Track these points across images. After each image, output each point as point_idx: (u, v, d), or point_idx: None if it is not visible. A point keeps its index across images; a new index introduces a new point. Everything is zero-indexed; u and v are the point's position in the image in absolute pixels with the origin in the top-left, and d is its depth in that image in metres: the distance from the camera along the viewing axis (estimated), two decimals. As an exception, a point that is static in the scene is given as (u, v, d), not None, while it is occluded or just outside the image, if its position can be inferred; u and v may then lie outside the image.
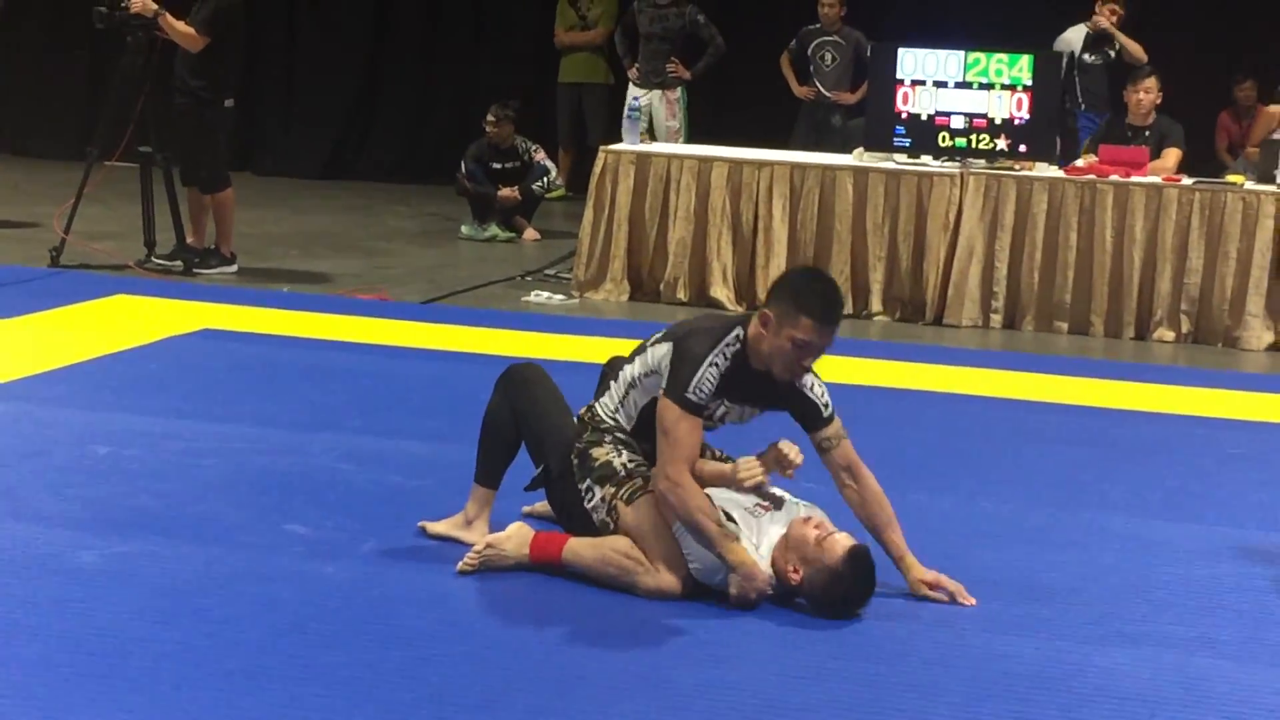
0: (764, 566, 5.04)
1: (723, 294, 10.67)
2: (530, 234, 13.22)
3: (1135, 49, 12.26)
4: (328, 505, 5.89)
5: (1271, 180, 10.36)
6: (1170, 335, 10.30)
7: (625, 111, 12.02)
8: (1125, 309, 10.37)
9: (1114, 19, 12.40)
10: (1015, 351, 9.82)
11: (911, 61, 10.79)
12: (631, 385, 5.30)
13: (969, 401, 8.22)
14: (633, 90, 13.52)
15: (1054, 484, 6.74)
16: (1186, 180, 10.56)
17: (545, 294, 10.71)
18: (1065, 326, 10.43)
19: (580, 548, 5.22)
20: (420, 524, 5.59)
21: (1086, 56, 12.44)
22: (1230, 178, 10.76)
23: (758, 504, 5.19)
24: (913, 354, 9.38)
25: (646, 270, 10.89)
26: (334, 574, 5.17)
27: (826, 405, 5.28)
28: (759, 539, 5.10)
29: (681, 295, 10.73)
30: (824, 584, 5.00)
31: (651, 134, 13.16)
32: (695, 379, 5.04)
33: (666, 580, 5.09)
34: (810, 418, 5.29)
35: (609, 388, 5.39)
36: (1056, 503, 6.45)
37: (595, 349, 8.83)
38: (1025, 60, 10.61)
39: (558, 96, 15.63)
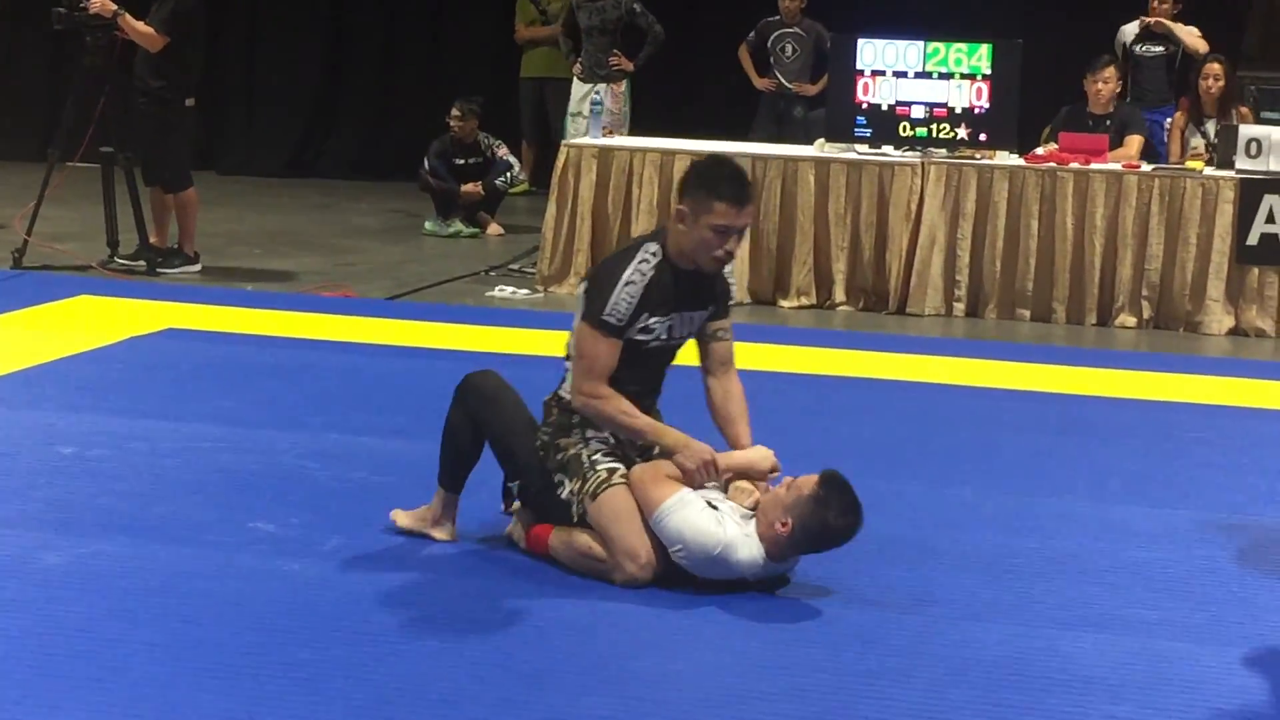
0: (756, 547, 5.03)
1: (686, 286, 10.67)
2: (494, 229, 13.23)
3: (1192, 40, 12.10)
4: (293, 503, 5.88)
5: (1230, 165, 10.41)
6: (1132, 321, 10.35)
7: (584, 108, 12.00)
8: (1087, 296, 10.42)
9: (1166, 6, 12.25)
10: (978, 339, 9.86)
11: (871, 52, 10.81)
12: (570, 355, 5.32)
13: (933, 390, 8.25)
14: (580, 86, 13.51)
15: (1017, 470, 6.78)
16: (1146, 167, 10.61)
17: (510, 289, 10.71)
18: (1028, 314, 10.47)
19: (558, 544, 5.28)
20: (392, 514, 5.59)
21: (1138, 49, 12.34)
22: (1189, 164, 10.80)
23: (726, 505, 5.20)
24: (876, 343, 9.41)
25: (610, 264, 10.88)
26: (299, 571, 5.18)
27: (734, 292, 5.47)
28: (747, 528, 5.09)
29: (645, 288, 10.71)
30: (812, 513, 4.99)
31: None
32: (611, 300, 5.10)
33: (627, 573, 5.12)
34: (723, 305, 5.42)
35: (562, 380, 5.39)
36: (1020, 489, 6.49)
37: (560, 343, 8.76)
38: (984, 50, 10.64)
39: (520, 92, 15.62)
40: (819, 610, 5.02)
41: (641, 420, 5.12)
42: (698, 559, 5.07)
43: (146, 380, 7.76)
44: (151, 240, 10.89)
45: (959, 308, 10.55)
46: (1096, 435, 7.41)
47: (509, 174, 13.31)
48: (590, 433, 5.28)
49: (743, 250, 10.56)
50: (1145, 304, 10.37)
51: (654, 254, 5.20)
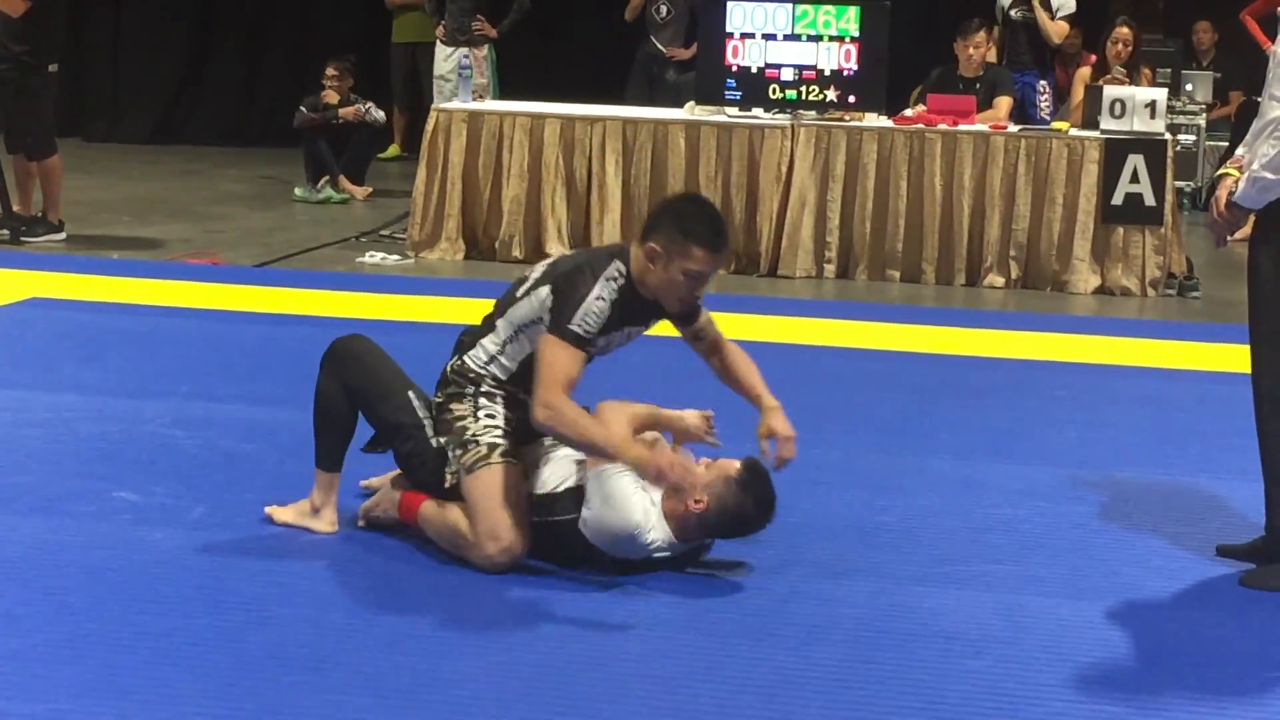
0: (657, 520, 4.94)
1: (558, 250, 10.65)
2: (362, 192, 13.16)
3: (1050, 26, 12.30)
4: (158, 472, 5.83)
5: (1095, 126, 10.52)
6: (1000, 281, 10.45)
7: (447, 71, 11.94)
8: (955, 256, 10.51)
9: None
10: (849, 301, 9.92)
11: (740, 15, 10.83)
12: (513, 336, 5.11)
13: (803, 351, 8.28)
14: (443, 49, 13.45)
15: (884, 429, 6.84)
16: (1013, 128, 10.71)
17: (380, 255, 10.66)
18: (897, 275, 10.54)
19: (429, 513, 5.16)
20: (266, 510, 5.39)
21: (1013, 12, 12.41)
22: (1056, 125, 10.91)
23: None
24: (747, 305, 9.43)
25: (481, 229, 10.87)
26: (162, 540, 5.13)
27: (700, 300, 5.24)
28: (652, 495, 4.99)
29: (517, 253, 10.72)
30: (731, 496, 4.93)
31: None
32: (580, 312, 4.91)
33: (485, 553, 4.98)
34: (686, 315, 5.24)
35: (483, 339, 5.17)
36: (886, 448, 6.54)
37: (431, 309, 8.84)
38: (852, 11, 10.67)
39: (391, 56, 15.52)
40: (681, 573, 5.03)
41: (603, 434, 4.90)
42: (605, 532, 4.93)
43: (8, 350, 7.66)
44: (15, 209, 10.75)
45: (830, 269, 10.60)
46: (963, 395, 7.48)
47: (370, 111, 13.23)
48: (484, 404, 5.12)
49: (613, 214, 10.62)
50: (1013, 264, 10.47)
51: (620, 274, 5.01)
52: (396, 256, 10.65)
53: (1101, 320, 9.58)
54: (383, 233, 11.54)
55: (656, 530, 4.93)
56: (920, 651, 4.52)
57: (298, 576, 4.90)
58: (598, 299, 4.95)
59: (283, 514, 5.38)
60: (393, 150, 15.70)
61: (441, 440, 5.14)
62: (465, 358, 5.19)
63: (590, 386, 5.08)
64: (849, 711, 4.13)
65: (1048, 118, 11.88)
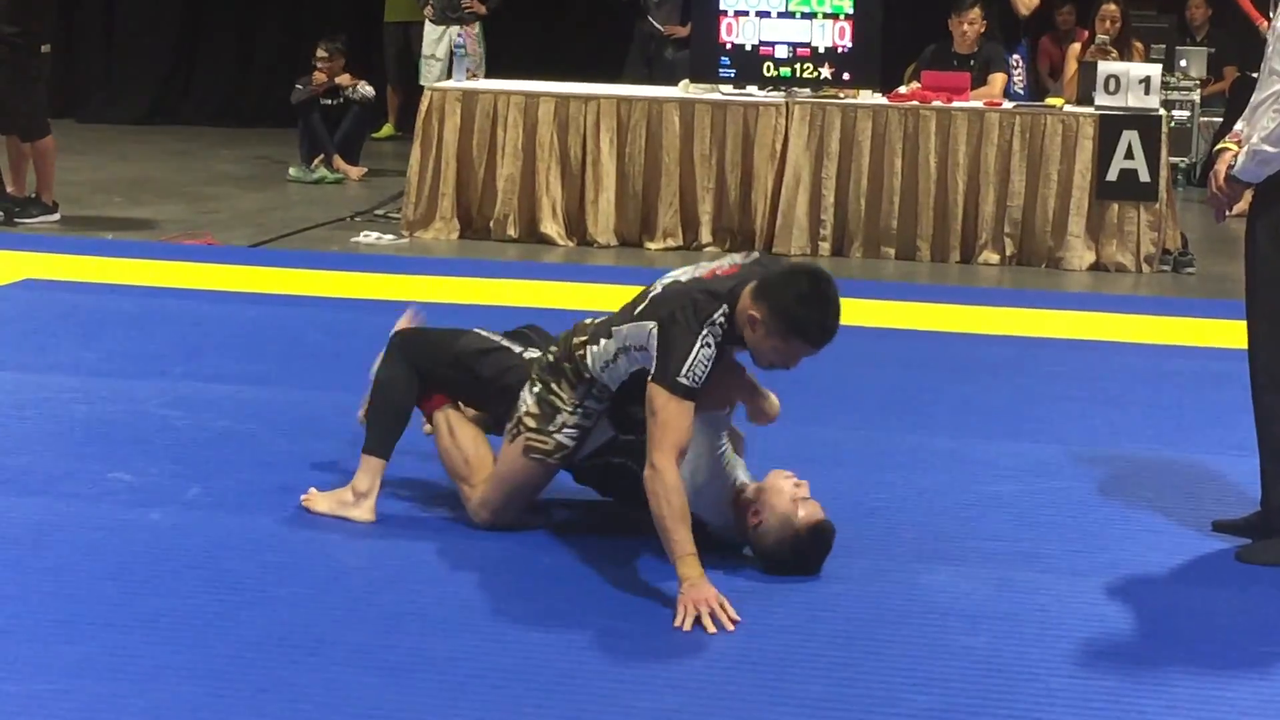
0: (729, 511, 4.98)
1: (553, 229, 10.67)
2: (357, 172, 13.14)
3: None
4: (153, 452, 5.82)
5: (1090, 102, 10.51)
6: (995, 258, 10.45)
7: (437, 50, 11.93)
8: (950, 233, 10.50)
9: None
10: (843, 278, 9.78)
11: (734, -8, 10.82)
12: (619, 352, 4.97)
13: None
14: (432, 28, 13.43)
15: (880, 407, 6.84)
16: (1007, 104, 10.70)
17: (375, 234, 10.65)
18: (892, 252, 10.54)
19: (442, 425, 5.24)
20: (303, 500, 5.32)
21: None
22: (1050, 101, 10.90)
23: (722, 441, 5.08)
24: (742, 284, 9.41)
25: (476, 208, 10.86)
26: (158, 520, 5.13)
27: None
28: (735, 474, 5.03)
29: (511, 232, 10.71)
30: (781, 537, 4.88)
31: (449, 72, 13.04)
32: (688, 364, 4.74)
33: (474, 510, 5.16)
34: None
35: (603, 340, 5.03)
36: (882, 425, 6.54)
37: (426, 288, 8.83)
38: (846, -12, 10.68)
39: (384, 36, 15.50)
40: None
41: (682, 532, 4.69)
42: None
43: (2, 332, 7.65)
44: (8, 190, 10.73)
45: (824, 247, 10.59)
46: (958, 372, 7.48)
47: (361, 92, 13.21)
48: (588, 407, 5.07)
49: (608, 193, 10.61)
50: (1008, 241, 10.46)
51: (724, 319, 4.82)
52: (391, 236, 10.64)
53: (1097, 296, 9.59)
54: (377, 212, 11.53)
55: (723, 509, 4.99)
56: (917, 628, 4.52)
57: (294, 556, 4.90)
58: (704, 347, 4.77)
59: (320, 503, 5.28)
60: (387, 130, 15.68)
61: (532, 395, 5.10)
62: (589, 350, 5.06)
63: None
64: (846, 689, 4.14)
65: (1022, 91, 11.86)
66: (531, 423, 5.10)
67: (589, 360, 5.05)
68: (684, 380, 4.72)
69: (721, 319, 4.81)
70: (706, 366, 4.76)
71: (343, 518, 5.21)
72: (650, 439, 4.75)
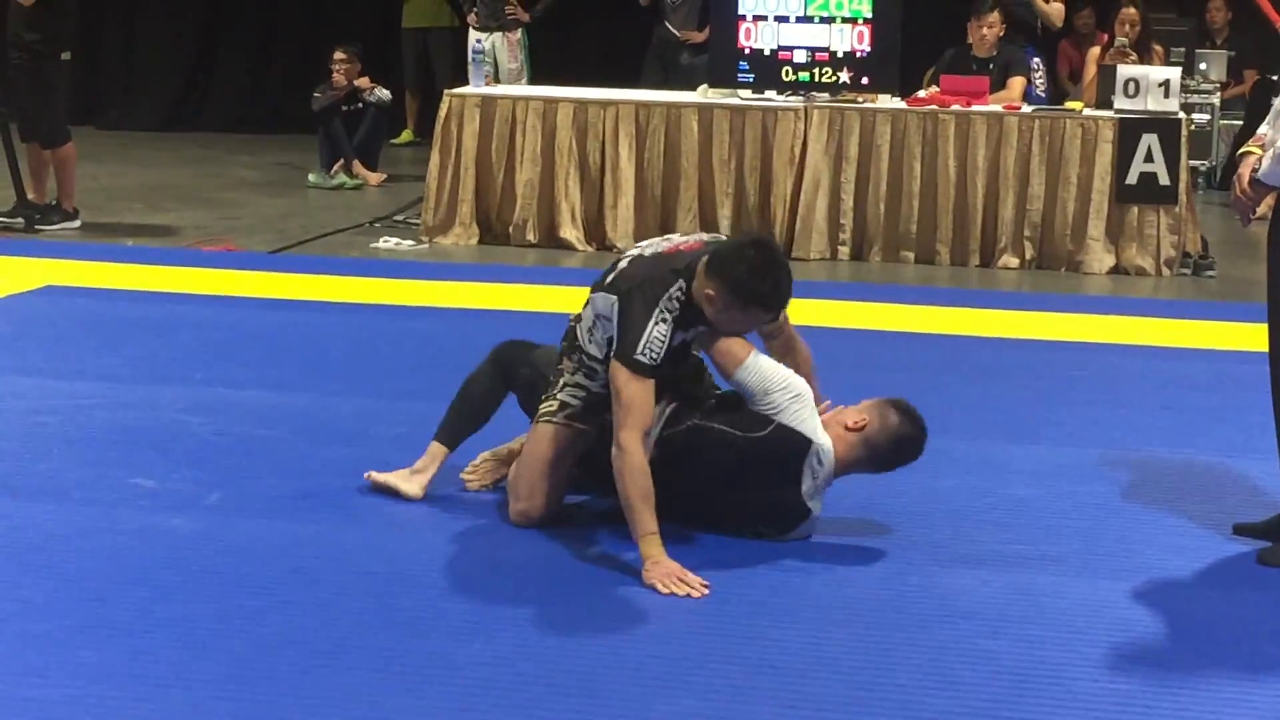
0: (821, 436, 5.10)
1: (572, 235, 10.68)
2: (376, 177, 13.16)
3: (1047, 9, 12.34)
4: (174, 458, 5.84)
5: (1109, 105, 10.50)
6: (1014, 262, 10.43)
7: (470, 55, 11.95)
8: (970, 237, 10.49)
9: None
10: (863, 282, 9.91)
11: (753, -3, 10.83)
12: (595, 320, 5.15)
13: (817, 333, 8.16)
14: (475, 34, 13.48)
15: (900, 411, 6.82)
16: (1026, 108, 10.69)
17: (394, 240, 10.66)
18: (912, 256, 10.53)
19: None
20: (366, 475, 5.51)
21: None
22: (1070, 104, 10.89)
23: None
24: (762, 288, 9.41)
25: (495, 213, 10.87)
26: (180, 526, 5.14)
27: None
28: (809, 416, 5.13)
29: (531, 237, 10.72)
30: (890, 423, 5.19)
31: (496, 77, 13.12)
32: (643, 340, 4.91)
33: (517, 510, 5.20)
34: None
35: (584, 313, 5.23)
36: (902, 429, 6.53)
37: (446, 293, 8.86)
38: (865, -7, 10.68)
39: (403, 41, 15.53)
40: (698, 552, 5.03)
41: (646, 514, 4.85)
42: (783, 403, 5.08)
43: (25, 338, 7.67)
44: (29, 197, 10.76)
45: (844, 251, 10.59)
46: (978, 375, 7.48)
47: (379, 95, 13.23)
48: (581, 368, 5.20)
49: (627, 198, 10.62)
50: (1027, 244, 10.45)
51: (680, 296, 4.99)
52: (410, 241, 10.65)
53: (1116, 300, 9.57)
54: (397, 218, 11.54)
55: (822, 433, 5.10)
56: (938, 632, 4.52)
57: (314, 561, 4.91)
58: (657, 323, 4.94)
59: (379, 476, 5.48)
60: (406, 135, 15.71)
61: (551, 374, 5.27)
62: (580, 324, 5.25)
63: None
64: (866, 692, 4.14)
65: (1044, 95, 11.85)
66: (544, 402, 5.23)
67: (579, 332, 5.23)
68: (641, 358, 4.91)
69: (678, 294, 5.00)
70: (663, 343, 4.93)
71: (394, 489, 5.41)
72: (615, 419, 4.93)
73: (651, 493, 4.87)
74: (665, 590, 4.71)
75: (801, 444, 5.05)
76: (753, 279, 4.97)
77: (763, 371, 5.12)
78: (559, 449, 5.19)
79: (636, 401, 4.90)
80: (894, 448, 5.20)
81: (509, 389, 5.49)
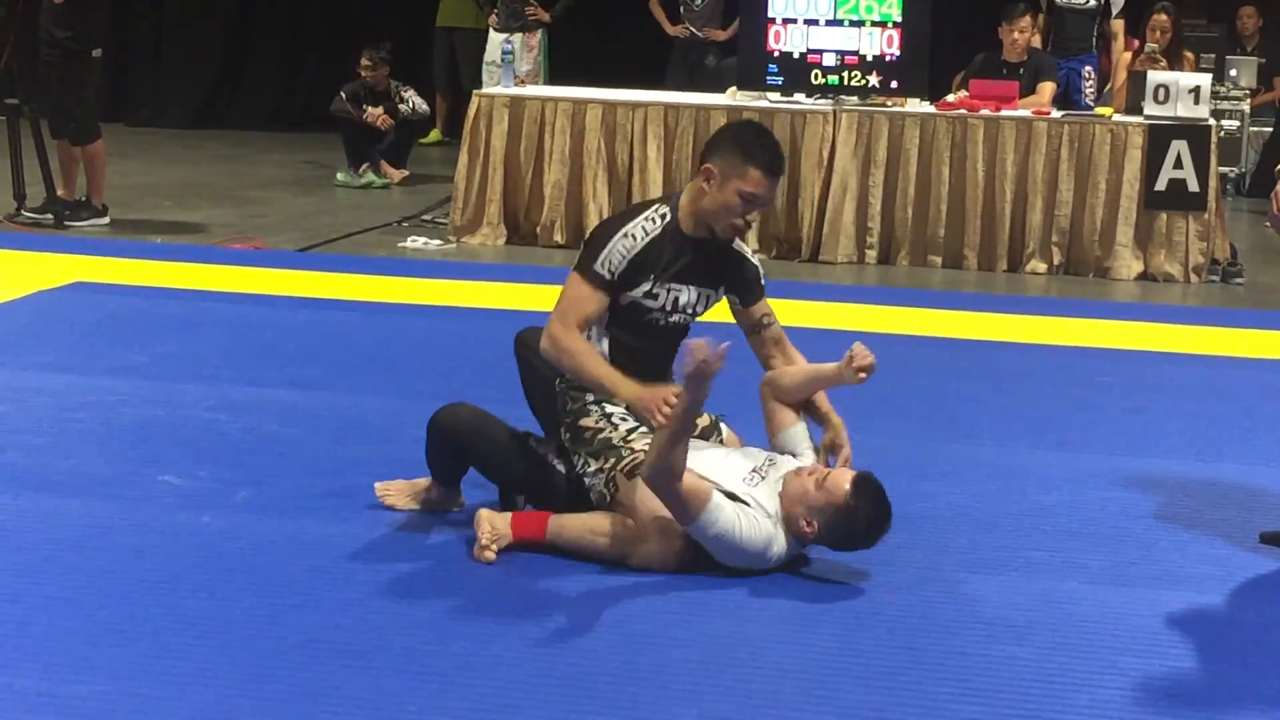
0: (780, 533, 4.87)
1: (600, 236, 10.67)
2: (399, 174, 13.19)
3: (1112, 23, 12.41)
4: (202, 456, 5.85)
5: (1139, 111, 10.48)
6: (1042, 267, 10.42)
7: (499, 56, 11.96)
8: (998, 242, 10.48)
9: None
10: (890, 286, 9.90)
11: (783, 0, 10.82)
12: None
13: (844, 337, 8.14)
14: (496, 35, 13.48)
15: (926, 416, 6.82)
16: (1056, 113, 10.67)
17: (422, 239, 10.68)
18: (939, 261, 10.52)
19: (566, 521, 5.00)
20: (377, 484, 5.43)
21: (1059, 1, 12.41)
22: (1099, 110, 10.87)
23: (751, 474, 4.99)
24: (789, 291, 9.38)
25: (523, 213, 10.88)
26: (207, 524, 5.15)
27: (762, 274, 5.29)
28: (768, 507, 4.90)
29: (558, 238, 10.73)
30: (840, 523, 4.84)
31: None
32: (604, 253, 4.97)
33: (657, 551, 4.89)
34: (749, 289, 5.24)
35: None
36: (928, 434, 6.53)
37: (473, 294, 8.86)
38: (895, -4, 10.67)
39: (435, 40, 15.56)
40: (709, 564, 5.00)
41: (602, 369, 4.91)
42: (735, 557, 4.86)
43: (53, 334, 7.70)
44: (59, 193, 10.81)
45: (871, 255, 10.59)
46: (1005, 381, 7.46)
47: (412, 102, 13.24)
48: (608, 407, 5.05)
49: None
50: (1055, 250, 10.44)
51: (662, 216, 5.05)
52: (438, 241, 10.67)
53: (1144, 306, 9.55)
54: (424, 217, 11.56)
55: (775, 544, 4.88)
56: (963, 638, 4.51)
57: (341, 561, 4.91)
58: (624, 237, 5.01)
59: (392, 490, 5.40)
60: (434, 135, 15.73)
61: (584, 454, 5.05)
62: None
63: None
64: (892, 697, 4.13)
65: (1092, 103, 11.84)
66: (611, 460, 5.01)
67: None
68: (597, 268, 4.98)
69: (656, 214, 5.07)
70: (624, 255, 4.99)
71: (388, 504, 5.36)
72: (551, 318, 4.99)
73: (596, 352, 4.97)
74: (672, 404, 4.64)
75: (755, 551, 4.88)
76: (747, 134, 5.12)
77: (725, 527, 4.82)
78: (582, 297, 5.04)
79: (579, 302, 4.98)
80: (845, 545, 4.93)
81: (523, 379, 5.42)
